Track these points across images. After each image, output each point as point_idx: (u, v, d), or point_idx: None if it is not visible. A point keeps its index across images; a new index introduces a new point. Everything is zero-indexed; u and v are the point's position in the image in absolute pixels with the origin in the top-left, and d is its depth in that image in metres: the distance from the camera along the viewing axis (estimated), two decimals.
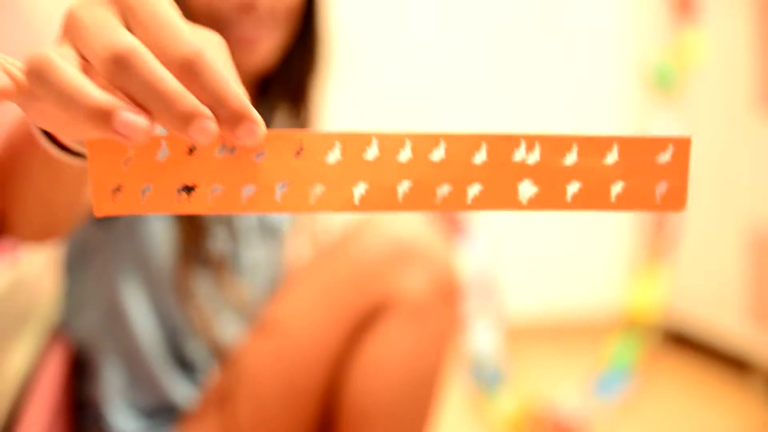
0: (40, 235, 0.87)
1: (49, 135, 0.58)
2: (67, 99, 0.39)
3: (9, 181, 0.80)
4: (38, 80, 0.40)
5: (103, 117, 0.38)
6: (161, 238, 1.04)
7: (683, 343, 2.52)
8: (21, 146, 0.74)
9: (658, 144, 0.44)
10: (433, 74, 2.68)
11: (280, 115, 1.27)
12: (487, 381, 1.91)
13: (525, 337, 2.69)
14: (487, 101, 2.70)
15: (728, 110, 2.22)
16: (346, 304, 1.05)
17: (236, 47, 1.02)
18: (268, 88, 1.20)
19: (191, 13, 1.02)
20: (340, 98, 1.39)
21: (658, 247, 1.93)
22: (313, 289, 1.09)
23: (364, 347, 1.06)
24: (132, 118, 0.38)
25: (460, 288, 1.09)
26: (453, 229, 1.63)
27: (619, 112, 2.76)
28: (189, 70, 0.39)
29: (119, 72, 0.39)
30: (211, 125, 0.40)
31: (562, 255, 2.88)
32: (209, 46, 0.44)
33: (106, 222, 1.04)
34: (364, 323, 1.04)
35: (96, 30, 0.42)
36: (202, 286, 1.04)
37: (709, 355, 2.41)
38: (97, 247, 1.06)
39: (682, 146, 0.45)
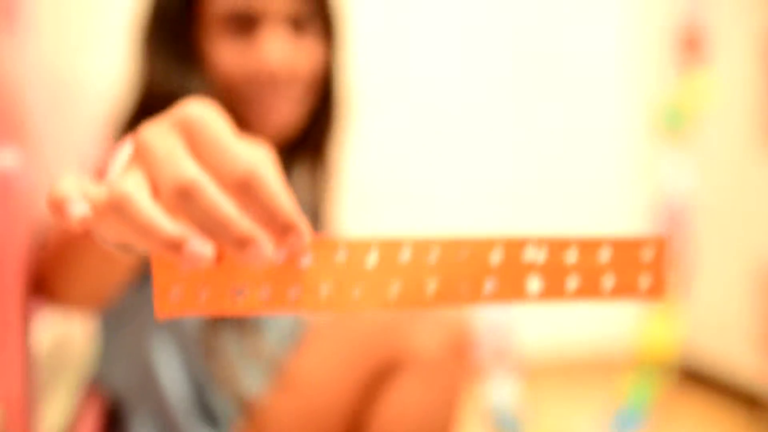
0: (84, 305, 0.92)
1: None
2: (142, 231, 0.44)
3: (62, 260, 0.84)
4: (117, 213, 0.45)
5: (173, 247, 0.43)
6: None
7: (698, 380, 2.50)
8: (76, 233, 0.79)
9: (641, 244, 0.52)
10: (443, 123, 2.67)
11: (302, 173, 1.33)
12: (507, 429, 1.93)
13: (540, 375, 2.69)
14: (498, 144, 2.70)
15: (736, 151, 2.22)
16: (363, 361, 1.08)
17: (259, 115, 1.10)
18: (290, 151, 1.25)
19: (217, 84, 1.10)
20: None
21: (671, 286, 1.94)
22: (331, 346, 1.13)
23: (380, 402, 1.09)
24: (197, 249, 0.43)
25: (472, 343, 1.12)
26: None
27: (628, 154, 2.76)
28: (245, 190, 0.44)
29: (183, 202, 0.44)
30: (263, 249, 0.45)
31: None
32: (261, 163, 0.47)
33: (140, 284, 1.08)
34: (379, 379, 1.07)
35: (164, 160, 0.47)
36: (228, 342, 1.09)
37: (723, 392, 2.39)
38: (131, 307, 1.10)
39: (660, 246, 0.52)
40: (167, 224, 0.44)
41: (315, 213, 1.34)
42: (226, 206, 0.44)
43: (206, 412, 1.17)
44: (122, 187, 0.45)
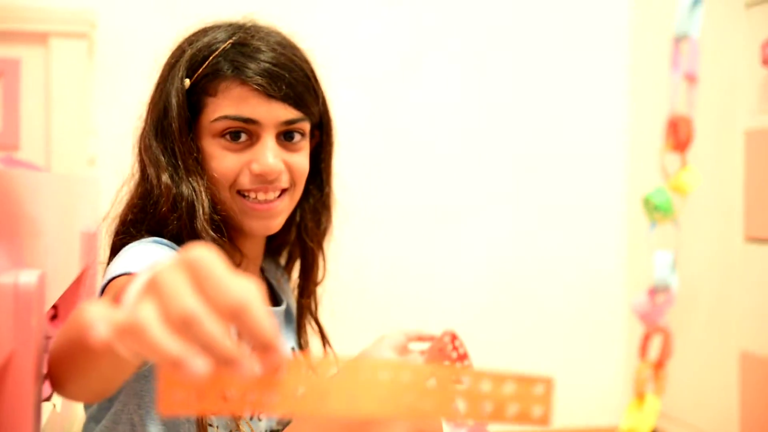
0: (90, 397, 0.96)
1: None
2: (151, 350, 0.52)
3: (73, 363, 0.85)
4: (133, 335, 0.53)
5: (175, 364, 0.51)
6: None
7: None
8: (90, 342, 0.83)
9: (534, 381, 0.63)
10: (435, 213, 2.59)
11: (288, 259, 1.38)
12: None
13: None
14: (495, 228, 2.63)
15: (721, 241, 2.21)
16: None
17: (253, 213, 1.14)
18: (277, 240, 1.31)
19: (218, 185, 1.15)
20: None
21: (656, 365, 1.90)
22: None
23: None
24: (194, 366, 0.51)
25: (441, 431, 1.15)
26: None
27: (622, 238, 2.68)
28: (236, 316, 0.52)
29: (184, 328, 0.52)
30: (244, 367, 0.53)
31: (560, 381, 2.81)
32: (250, 295, 0.55)
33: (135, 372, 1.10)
34: None
35: (171, 294, 0.54)
36: (219, 426, 1.12)
37: None
38: (125, 390, 1.11)
39: (548, 384, 0.64)
40: (172, 346, 0.51)
41: (300, 303, 1.37)
42: (218, 333, 0.52)
43: None
44: (137, 315, 0.54)
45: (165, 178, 1.14)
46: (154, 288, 0.57)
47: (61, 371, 0.88)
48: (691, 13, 1.98)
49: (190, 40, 1.20)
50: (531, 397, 0.67)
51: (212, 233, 1.15)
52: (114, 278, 1.04)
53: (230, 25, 1.21)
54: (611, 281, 2.67)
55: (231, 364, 0.53)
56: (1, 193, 0.66)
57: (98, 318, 0.59)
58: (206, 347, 0.53)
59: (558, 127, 2.66)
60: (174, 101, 1.15)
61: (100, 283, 1.12)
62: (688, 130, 1.97)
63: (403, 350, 1.27)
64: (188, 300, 0.54)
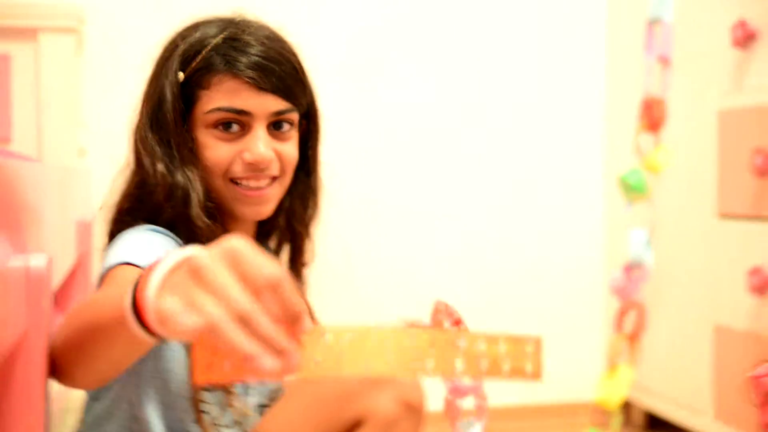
0: (94, 384, 0.99)
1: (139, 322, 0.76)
2: (229, 346, 0.60)
3: (83, 348, 0.89)
4: (212, 333, 0.61)
5: (248, 360, 0.59)
6: (180, 361, 1.13)
7: (660, 423, 2.52)
8: (107, 327, 0.84)
9: (525, 341, 0.69)
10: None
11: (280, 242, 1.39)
12: None
13: (507, 417, 2.65)
14: (475, 212, 2.65)
15: (694, 218, 2.27)
16: (330, 420, 1.16)
17: (246, 200, 1.18)
18: (267, 225, 1.33)
19: (212, 173, 1.18)
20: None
21: (631, 336, 1.94)
22: (301, 407, 1.19)
23: None
24: (265, 364, 0.60)
25: (423, 403, 1.19)
26: None
27: (599, 217, 2.75)
28: (272, 290, 0.60)
29: (241, 324, 0.60)
30: (288, 361, 0.62)
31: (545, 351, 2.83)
32: (279, 273, 0.62)
33: None
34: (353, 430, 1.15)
35: (225, 291, 0.61)
36: (212, 402, 1.15)
37: None
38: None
39: (538, 343, 0.70)
40: (248, 345, 0.60)
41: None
42: (272, 331, 0.61)
43: None
44: (208, 312, 0.61)
45: (161, 167, 1.17)
46: (204, 282, 0.64)
47: (68, 358, 0.90)
48: None
49: (183, 35, 1.22)
50: (523, 355, 0.73)
51: (206, 220, 1.17)
52: (112, 267, 1.06)
53: (221, 20, 1.23)
54: (589, 259, 2.70)
55: (280, 354, 0.61)
56: (3, 183, 0.68)
57: (178, 308, 0.66)
58: (263, 340, 0.61)
59: (536, 111, 2.69)
60: (169, 94, 1.18)
61: (98, 270, 1.14)
62: (662, 111, 1.96)
63: None
64: (243, 298, 0.61)
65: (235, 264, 0.63)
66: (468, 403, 1.31)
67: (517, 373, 0.75)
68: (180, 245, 1.16)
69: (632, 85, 2.38)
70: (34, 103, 2.12)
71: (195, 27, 1.22)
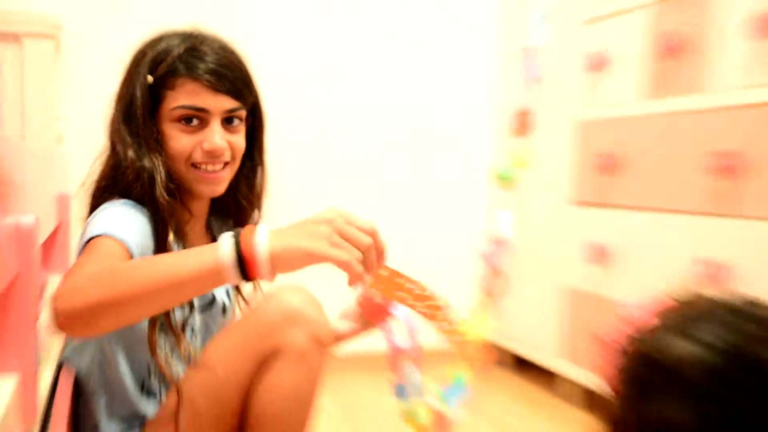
0: (107, 330, 0.99)
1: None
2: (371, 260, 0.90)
3: (116, 303, 0.90)
4: (368, 252, 0.90)
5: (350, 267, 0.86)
6: None
7: (520, 361, 2.61)
8: (185, 281, 0.91)
9: (444, 305, 0.97)
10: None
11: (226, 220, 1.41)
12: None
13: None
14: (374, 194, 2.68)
15: (556, 201, 2.33)
16: (253, 351, 1.17)
17: (204, 180, 1.21)
18: (218, 202, 1.35)
19: (172, 160, 1.20)
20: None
21: (493, 297, 2.00)
22: (232, 341, 1.21)
23: (264, 379, 1.18)
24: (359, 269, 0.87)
25: (330, 339, 1.21)
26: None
27: (478, 204, 2.76)
28: (374, 234, 0.88)
29: (367, 252, 0.88)
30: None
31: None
32: (373, 224, 0.92)
33: None
34: (265, 363, 1.17)
35: (354, 237, 0.89)
36: (165, 342, 1.17)
37: (532, 368, 2.51)
38: None
39: (447, 303, 0.94)
40: (352, 260, 0.89)
41: None
42: (372, 250, 0.90)
43: (147, 387, 1.25)
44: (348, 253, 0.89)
45: (131, 153, 1.18)
46: (343, 232, 0.90)
47: (101, 310, 0.89)
48: (538, 27, 2.09)
49: (150, 45, 1.22)
50: (446, 309, 0.96)
51: (167, 197, 1.18)
52: (94, 237, 1.06)
53: (182, 33, 1.24)
54: (466, 232, 2.73)
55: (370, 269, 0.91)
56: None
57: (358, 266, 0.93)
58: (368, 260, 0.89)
59: (440, 121, 2.74)
60: (139, 93, 1.18)
61: (78, 236, 1.14)
62: (531, 120, 1.89)
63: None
64: (365, 238, 0.89)
65: (349, 219, 0.90)
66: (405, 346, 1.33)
67: (443, 321, 1.05)
68: (148, 218, 1.18)
69: (512, 98, 2.41)
70: (19, 97, 2.07)
71: (160, 39, 1.23)
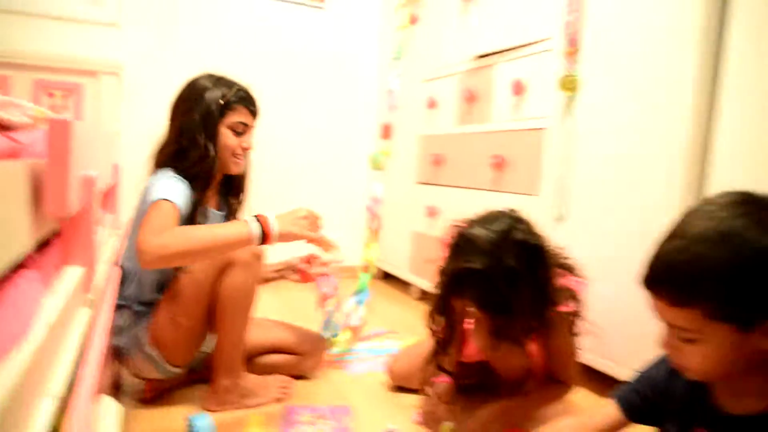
0: (181, 264, 1.09)
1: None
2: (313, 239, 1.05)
3: (202, 252, 1.01)
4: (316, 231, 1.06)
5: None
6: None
7: (389, 276, 2.66)
8: (232, 243, 1.03)
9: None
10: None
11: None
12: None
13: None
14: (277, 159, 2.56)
15: (407, 182, 2.37)
16: (217, 263, 1.17)
17: (238, 165, 1.26)
18: (229, 182, 1.35)
19: (219, 151, 1.22)
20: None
21: (374, 231, 1.97)
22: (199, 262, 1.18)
23: (223, 279, 1.17)
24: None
25: (264, 255, 1.20)
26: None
27: (363, 178, 2.72)
28: (319, 218, 0.93)
29: (319, 230, 1.05)
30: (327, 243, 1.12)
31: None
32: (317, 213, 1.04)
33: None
34: (224, 270, 1.17)
35: (312, 221, 1.04)
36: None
37: (396, 280, 2.57)
38: None
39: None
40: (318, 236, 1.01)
41: (232, 209, 1.35)
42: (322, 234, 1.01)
43: (160, 287, 1.21)
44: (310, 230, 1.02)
45: (202, 141, 1.20)
46: (306, 217, 1.01)
47: (173, 258, 0.99)
48: (394, 79, 2.06)
49: (205, 84, 1.23)
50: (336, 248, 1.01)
51: (209, 175, 1.22)
52: (157, 200, 1.06)
53: (223, 78, 1.25)
54: (360, 196, 2.71)
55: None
56: (74, 134, 0.65)
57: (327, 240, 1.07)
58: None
59: (340, 129, 2.69)
60: (214, 108, 1.21)
61: (144, 193, 1.13)
62: (390, 131, 2.10)
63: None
64: (318, 224, 0.99)
65: (308, 213, 1.00)
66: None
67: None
68: (188, 186, 1.16)
69: (381, 117, 2.33)
70: (97, 110, 2.12)
71: (217, 81, 1.23)
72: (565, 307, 1.04)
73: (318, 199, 2.65)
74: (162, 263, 0.96)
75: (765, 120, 1.07)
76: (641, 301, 0.71)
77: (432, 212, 2.14)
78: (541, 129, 1.61)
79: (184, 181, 1.15)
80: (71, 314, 0.63)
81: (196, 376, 1.33)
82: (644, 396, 0.78)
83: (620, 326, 1.32)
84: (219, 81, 1.22)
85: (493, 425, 1.07)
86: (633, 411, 0.79)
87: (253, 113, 1.24)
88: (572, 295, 1.06)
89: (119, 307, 1.17)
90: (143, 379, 1.22)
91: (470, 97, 1.92)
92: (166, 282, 1.17)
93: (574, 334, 1.11)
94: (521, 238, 0.94)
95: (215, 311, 1.14)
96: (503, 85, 1.76)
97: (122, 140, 2.11)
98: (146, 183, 1.14)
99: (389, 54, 2.43)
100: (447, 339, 1.06)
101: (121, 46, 2.23)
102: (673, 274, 0.60)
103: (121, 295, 1.17)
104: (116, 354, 1.17)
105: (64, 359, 0.55)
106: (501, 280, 0.92)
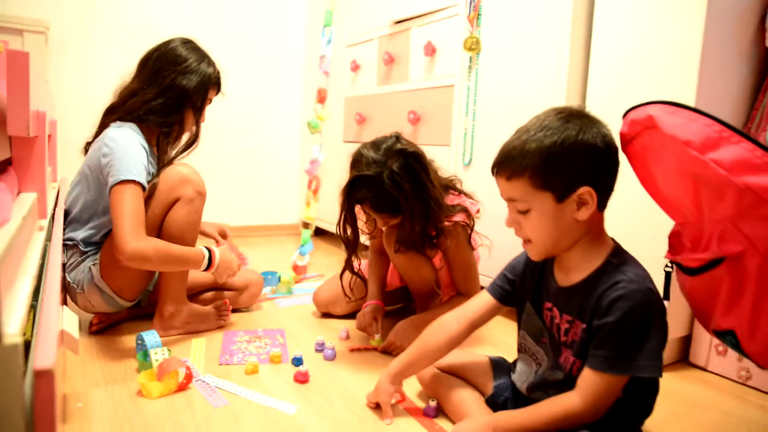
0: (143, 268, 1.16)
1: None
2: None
3: (168, 265, 1.14)
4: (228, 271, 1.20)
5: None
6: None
7: (320, 231, 2.76)
8: (190, 263, 1.16)
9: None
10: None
11: None
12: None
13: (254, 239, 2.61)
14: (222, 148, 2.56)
15: (335, 141, 2.42)
16: (166, 198, 1.26)
17: (199, 129, 1.33)
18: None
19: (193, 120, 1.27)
20: None
21: (313, 192, 2.01)
22: (162, 197, 1.27)
23: (171, 212, 1.27)
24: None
25: (204, 194, 1.27)
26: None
27: (302, 141, 2.78)
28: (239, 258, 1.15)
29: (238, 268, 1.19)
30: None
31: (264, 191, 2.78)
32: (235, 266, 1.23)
33: None
34: (173, 206, 1.26)
35: (234, 267, 1.22)
36: None
37: (328, 235, 2.71)
38: None
39: None
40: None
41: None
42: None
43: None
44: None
45: (191, 116, 1.28)
46: (232, 269, 1.14)
47: (148, 267, 1.11)
48: (326, 45, 2.05)
49: (182, 52, 1.27)
50: None
51: (176, 139, 1.30)
52: (126, 183, 1.11)
53: (208, 56, 1.30)
54: (292, 158, 2.84)
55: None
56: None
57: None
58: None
59: (278, 96, 2.75)
60: (208, 84, 1.29)
61: (111, 158, 1.13)
62: (324, 95, 2.10)
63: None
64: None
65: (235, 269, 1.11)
66: None
67: None
68: (144, 140, 1.20)
69: (315, 82, 2.48)
70: None
71: (205, 56, 1.29)
72: (458, 218, 1.21)
73: (251, 161, 2.75)
74: (136, 266, 1.09)
75: (628, 55, 1.25)
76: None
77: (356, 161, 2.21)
78: (450, 86, 1.77)
79: (141, 134, 1.20)
80: (31, 232, 0.67)
81: (141, 312, 1.42)
82: (511, 281, 0.92)
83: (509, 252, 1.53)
84: (206, 56, 1.29)
85: (408, 333, 1.23)
86: (503, 296, 0.92)
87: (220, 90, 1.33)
88: (464, 210, 1.22)
89: (68, 247, 1.21)
90: (92, 313, 1.29)
91: (389, 59, 2.03)
92: None
93: (472, 247, 1.27)
94: (402, 147, 1.11)
95: None
96: (418, 48, 1.89)
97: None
98: (110, 132, 1.16)
99: (315, 21, 2.54)
100: (354, 241, 1.21)
101: (48, 4, 2.19)
102: (508, 155, 0.77)
103: (68, 236, 1.21)
104: (65, 290, 1.22)
105: (31, 263, 0.58)
106: (387, 181, 1.08)
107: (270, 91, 2.71)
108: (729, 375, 1.21)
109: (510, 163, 0.76)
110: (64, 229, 1.21)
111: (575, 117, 0.75)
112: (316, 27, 2.56)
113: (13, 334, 0.40)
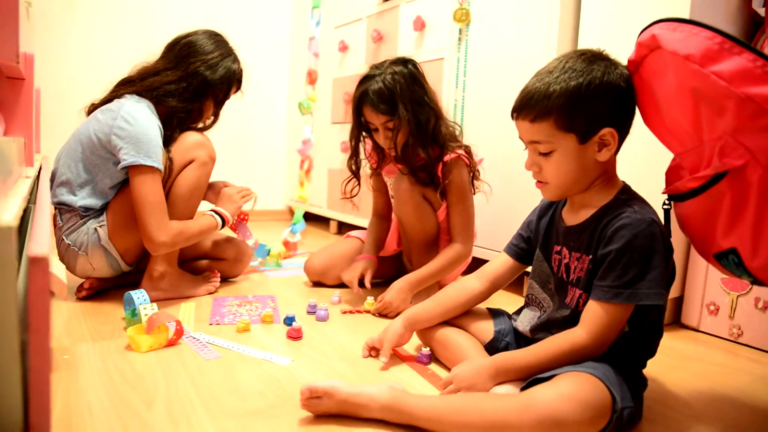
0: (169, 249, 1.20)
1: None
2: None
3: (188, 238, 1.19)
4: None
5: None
6: None
7: (312, 216, 2.76)
8: (208, 230, 1.22)
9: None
10: None
11: None
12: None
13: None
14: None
15: (324, 123, 2.39)
16: (181, 160, 1.27)
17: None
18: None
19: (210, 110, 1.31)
20: None
21: (306, 172, 2.03)
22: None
23: (182, 174, 1.27)
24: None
25: (215, 159, 1.28)
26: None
27: (287, 121, 2.78)
28: (247, 191, 1.32)
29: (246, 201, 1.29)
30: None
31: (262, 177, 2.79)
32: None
33: None
34: (185, 167, 1.26)
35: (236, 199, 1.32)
36: None
37: (318, 218, 2.70)
38: None
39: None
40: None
41: None
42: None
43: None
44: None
45: (212, 109, 1.32)
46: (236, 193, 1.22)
47: (173, 248, 1.16)
48: (315, 27, 2.08)
49: (212, 46, 1.30)
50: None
51: (191, 126, 1.31)
52: (144, 167, 1.12)
53: (234, 53, 1.34)
54: (279, 144, 2.83)
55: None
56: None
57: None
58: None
59: (270, 80, 2.74)
60: (233, 81, 1.32)
61: (131, 140, 1.12)
62: (315, 76, 2.12)
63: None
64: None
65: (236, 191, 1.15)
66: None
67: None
68: (157, 118, 1.20)
69: (305, 60, 2.46)
70: None
71: (232, 51, 1.32)
72: (458, 152, 1.25)
73: (238, 146, 2.74)
74: (164, 252, 1.16)
75: (615, 23, 1.27)
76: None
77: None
78: (440, 59, 1.77)
79: (156, 113, 1.19)
80: (18, 177, 0.68)
81: (129, 280, 1.40)
82: (526, 238, 0.93)
83: (504, 216, 1.54)
84: (232, 52, 1.32)
85: (404, 292, 1.24)
86: (520, 255, 0.94)
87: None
88: (467, 147, 1.27)
89: (61, 211, 1.20)
90: (87, 277, 1.26)
91: (378, 37, 2.02)
92: (121, 186, 1.21)
93: (473, 190, 1.29)
94: (401, 57, 1.24)
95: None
96: (407, 24, 1.88)
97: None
98: (126, 106, 1.15)
99: (302, 4, 2.53)
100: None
101: None
102: (532, 98, 0.76)
103: (61, 200, 1.19)
104: (62, 253, 1.20)
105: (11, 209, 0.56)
106: (386, 76, 1.19)
107: (257, 75, 2.68)
108: (721, 334, 1.23)
109: (534, 106, 0.76)
110: (63, 191, 1.19)
111: (599, 58, 0.76)
112: (303, 10, 2.56)
113: (8, 220, 0.40)
